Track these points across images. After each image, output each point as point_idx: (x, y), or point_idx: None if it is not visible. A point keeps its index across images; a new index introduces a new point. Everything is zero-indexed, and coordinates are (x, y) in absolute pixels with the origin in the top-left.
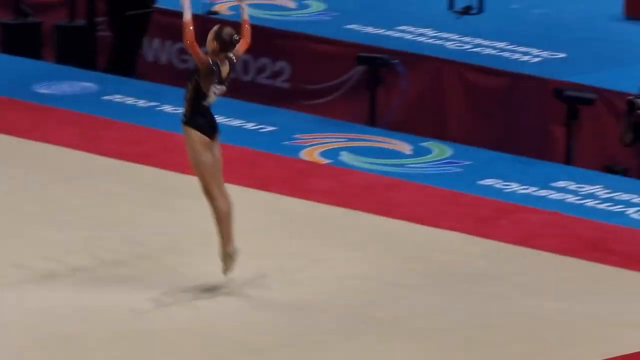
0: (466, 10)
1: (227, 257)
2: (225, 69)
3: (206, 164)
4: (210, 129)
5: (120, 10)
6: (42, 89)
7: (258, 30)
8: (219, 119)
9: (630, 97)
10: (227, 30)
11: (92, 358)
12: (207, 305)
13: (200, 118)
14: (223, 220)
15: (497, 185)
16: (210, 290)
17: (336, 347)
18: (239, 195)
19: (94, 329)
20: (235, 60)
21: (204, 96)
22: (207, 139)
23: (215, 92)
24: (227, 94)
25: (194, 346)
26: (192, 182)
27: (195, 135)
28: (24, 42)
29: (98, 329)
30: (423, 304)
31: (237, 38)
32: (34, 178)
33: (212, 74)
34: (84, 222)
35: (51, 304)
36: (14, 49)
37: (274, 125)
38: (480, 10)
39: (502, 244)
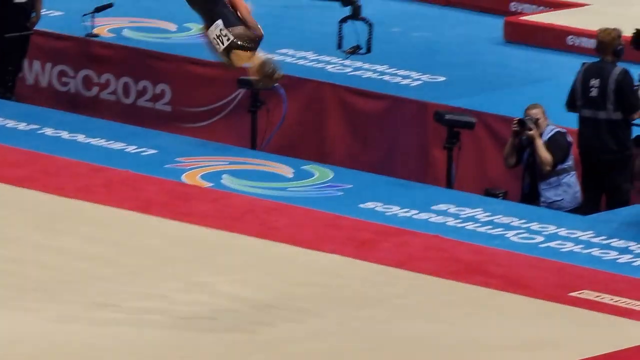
0: (354, 50)
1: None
2: None
3: None
4: None
5: None
6: None
7: (138, 53)
8: (101, 142)
9: (522, 118)
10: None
11: None
12: (88, 329)
13: None
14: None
15: (378, 209)
16: (93, 312)
17: None
18: (122, 219)
19: None
20: None
21: None
22: None
23: None
24: (108, 117)
25: None
26: (72, 206)
27: None
28: None
29: None
30: (304, 327)
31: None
32: None
33: None
34: None
35: None
36: None
37: (155, 149)
38: (369, 50)
39: (383, 267)
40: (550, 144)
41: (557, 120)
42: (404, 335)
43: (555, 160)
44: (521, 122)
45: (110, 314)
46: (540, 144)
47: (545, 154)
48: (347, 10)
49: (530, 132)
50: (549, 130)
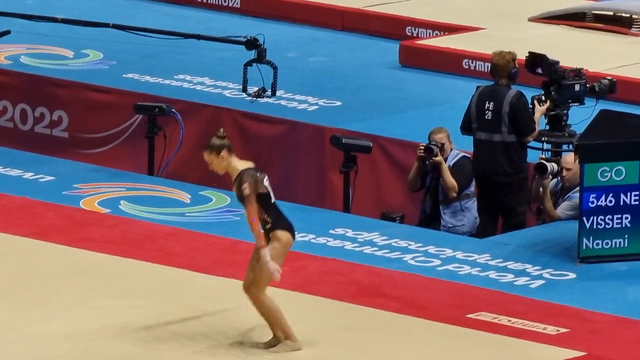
0: (259, 93)
1: (287, 346)
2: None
3: (276, 270)
4: (292, 229)
5: None
6: None
7: (35, 80)
8: (4, 170)
9: (430, 144)
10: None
11: None
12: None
13: (282, 218)
14: (279, 315)
15: None
16: None
17: None
18: (19, 245)
19: None
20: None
21: (267, 195)
22: (291, 239)
23: (268, 186)
24: (5, 143)
25: None
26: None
27: (284, 236)
28: None
29: None
30: (204, 352)
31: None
32: None
33: (256, 179)
34: None
35: None
36: None
37: (53, 175)
38: (274, 93)
39: (279, 290)
40: (456, 169)
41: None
42: (299, 357)
43: (460, 185)
44: (428, 149)
45: (10, 343)
46: (446, 169)
47: (451, 180)
48: (251, 54)
49: (437, 159)
50: (454, 155)
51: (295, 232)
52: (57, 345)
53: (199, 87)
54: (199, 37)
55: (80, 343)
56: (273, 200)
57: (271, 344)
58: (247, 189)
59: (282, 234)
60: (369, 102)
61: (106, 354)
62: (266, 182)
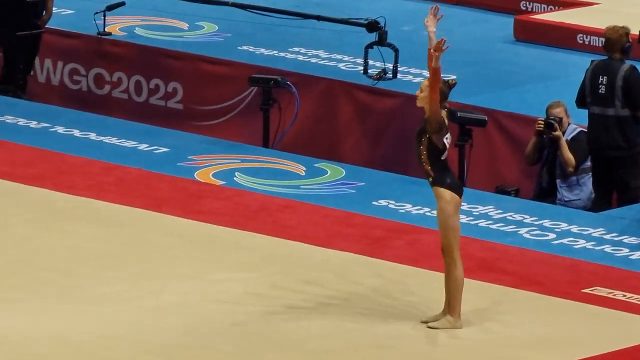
0: (381, 76)
1: (448, 322)
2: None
3: (455, 228)
4: (459, 187)
5: (9, 31)
6: None
7: (150, 51)
8: (113, 140)
9: (548, 119)
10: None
11: None
12: (101, 329)
13: (447, 176)
14: (459, 288)
15: (391, 206)
16: (105, 312)
17: None
18: (134, 217)
19: None
20: (446, 107)
21: (441, 151)
22: (458, 198)
23: (447, 144)
24: (120, 115)
25: None
26: (84, 204)
27: (447, 194)
28: None
29: None
30: (317, 324)
31: (454, 82)
32: None
33: (444, 127)
34: None
35: None
36: None
37: (167, 147)
38: (395, 75)
39: (395, 265)
40: (574, 144)
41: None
42: (416, 333)
43: (577, 160)
44: (547, 124)
45: (123, 314)
46: (564, 144)
47: (569, 155)
48: (372, 36)
49: (556, 133)
50: (571, 130)
51: (462, 192)
52: (171, 317)
53: (313, 60)
54: (319, 18)
55: (194, 315)
56: (444, 158)
57: (436, 318)
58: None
59: (444, 192)
60: (483, 76)
61: (219, 326)
62: (447, 139)
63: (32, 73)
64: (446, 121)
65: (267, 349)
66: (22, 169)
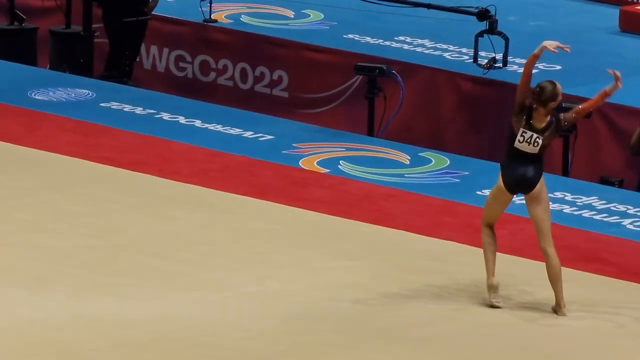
0: (491, 65)
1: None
2: (540, 121)
3: (489, 207)
4: (510, 181)
5: (116, 18)
6: (38, 95)
7: (256, 39)
8: (217, 127)
9: None
10: (549, 89)
11: None
12: (204, 315)
13: (507, 165)
14: (557, 277)
15: None
16: (208, 298)
17: (335, 356)
18: (238, 204)
19: (88, 338)
20: (562, 123)
21: (514, 136)
22: (503, 187)
23: (524, 137)
24: (225, 102)
25: (192, 355)
26: (188, 191)
27: (499, 180)
28: (18, 47)
29: (93, 338)
30: (419, 312)
31: (554, 106)
32: (28, 184)
33: (521, 113)
34: (78, 229)
35: (44, 312)
36: (7, 54)
37: (272, 134)
38: (505, 64)
39: (498, 255)
40: None
41: None
42: (518, 321)
43: None
44: None
45: (226, 301)
46: None
47: None
48: (480, 25)
49: None
50: None
51: (512, 184)
52: (274, 304)
53: (419, 49)
54: (429, 6)
55: (297, 302)
56: (514, 148)
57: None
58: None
59: (499, 178)
60: (588, 67)
61: (322, 313)
62: (523, 135)
63: (137, 59)
64: (538, 122)
65: (369, 337)
66: (127, 155)
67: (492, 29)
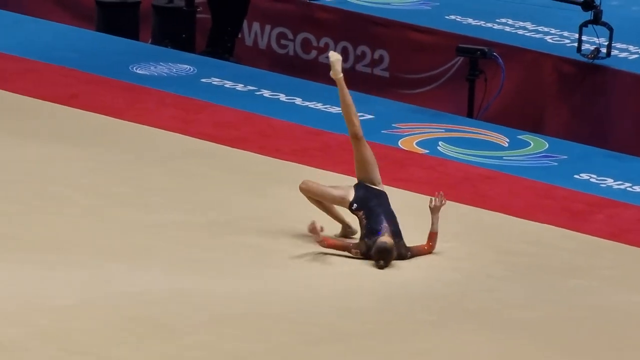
0: (595, 55)
1: None
2: None
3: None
4: None
5: None
6: (139, 70)
7: (358, 18)
8: (318, 105)
9: None
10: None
11: (182, 342)
12: (298, 291)
13: None
14: None
15: (593, 180)
16: (302, 276)
17: (426, 336)
18: (338, 183)
19: (185, 313)
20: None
21: None
22: None
23: None
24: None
25: (284, 331)
26: (288, 169)
27: None
28: (120, 21)
29: (189, 313)
30: (513, 295)
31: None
32: (127, 159)
33: None
34: (176, 205)
35: (140, 286)
36: (110, 29)
37: (372, 114)
38: (609, 54)
39: (594, 239)
40: None
41: None
42: (612, 306)
43: None
44: None
45: (322, 278)
46: None
47: None
48: (585, 15)
49: None
50: None
51: None
52: (369, 283)
53: (520, 32)
54: None
55: (392, 282)
56: None
57: None
58: None
59: None
60: None
61: (417, 293)
62: None
63: (239, 36)
64: None
65: (464, 319)
66: (227, 132)
67: (596, 20)
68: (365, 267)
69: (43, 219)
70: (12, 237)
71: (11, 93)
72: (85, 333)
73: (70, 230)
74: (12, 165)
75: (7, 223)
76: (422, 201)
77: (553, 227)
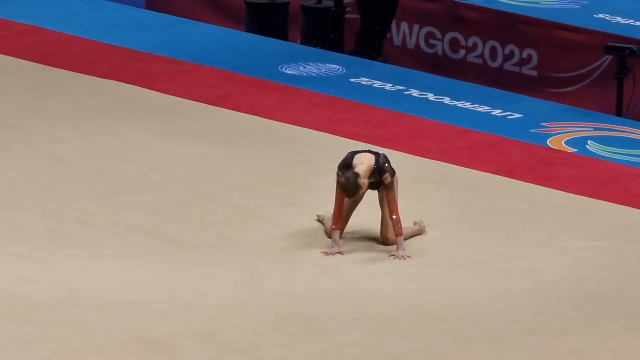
0: None
1: None
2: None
3: None
4: None
5: None
6: (289, 70)
7: (507, 17)
8: (466, 104)
9: None
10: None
11: (332, 339)
12: (450, 290)
13: None
14: None
15: None
16: (453, 275)
17: (578, 336)
18: (486, 182)
19: (335, 311)
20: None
21: None
22: None
23: None
24: (474, 80)
25: (436, 331)
26: (436, 168)
27: None
28: (270, 22)
29: (340, 311)
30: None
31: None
32: (279, 159)
33: None
34: (325, 205)
35: (292, 285)
36: (259, 29)
37: (521, 113)
38: None
39: None
40: None
41: None
42: None
43: None
44: None
45: (472, 277)
46: None
47: None
48: None
49: None
50: None
51: None
52: (519, 282)
53: None
54: None
55: (542, 281)
56: None
57: None
58: None
59: None
60: None
61: (567, 292)
62: None
63: (388, 36)
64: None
65: (614, 318)
66: (377, 131)
67: None
68: (515, 266)
69: (199, 219)
70: (171, 237)
71: (163, 94)
72: (239, 332)
73: (225, 229)
74: (163, 166)
75: (167, 222)
76: (571, 200)
77: None
